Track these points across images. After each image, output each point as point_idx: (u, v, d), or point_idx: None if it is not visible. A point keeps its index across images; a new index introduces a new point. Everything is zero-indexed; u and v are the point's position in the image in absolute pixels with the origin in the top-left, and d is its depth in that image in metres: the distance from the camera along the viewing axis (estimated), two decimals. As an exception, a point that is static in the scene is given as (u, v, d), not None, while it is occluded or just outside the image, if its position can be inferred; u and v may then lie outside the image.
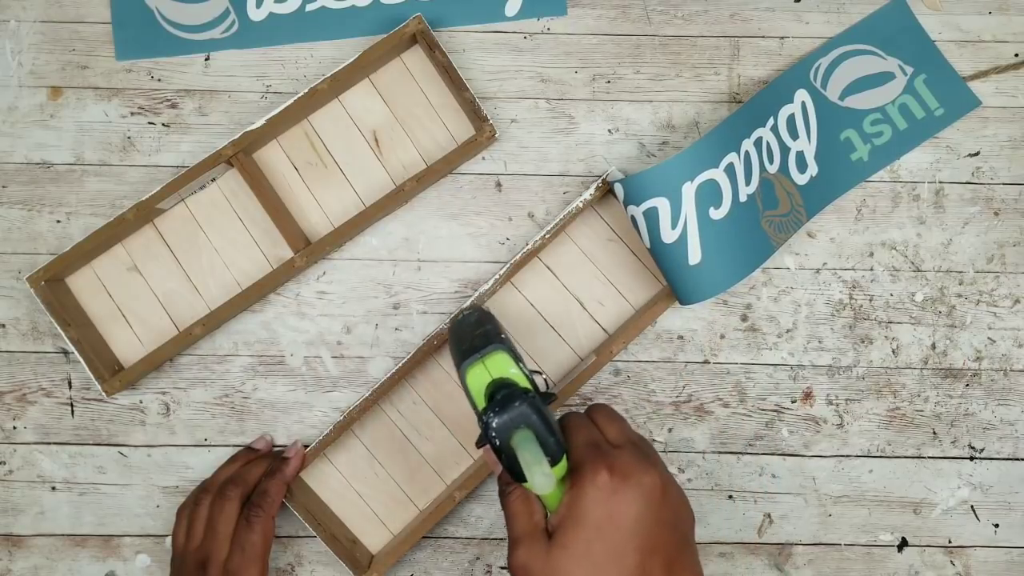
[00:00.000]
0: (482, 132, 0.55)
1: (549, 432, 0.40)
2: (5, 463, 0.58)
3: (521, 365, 0.42)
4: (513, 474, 0.40)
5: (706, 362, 0.58)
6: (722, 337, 0.58)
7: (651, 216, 0.52)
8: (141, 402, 0.58)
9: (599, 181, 0.56)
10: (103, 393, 0.54)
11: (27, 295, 0.57)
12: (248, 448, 0.57)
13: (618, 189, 0.53)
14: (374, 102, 0.58)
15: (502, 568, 0.58)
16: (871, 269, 0.58)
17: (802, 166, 0.57)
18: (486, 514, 0.58)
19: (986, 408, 0.58)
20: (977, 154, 0.59)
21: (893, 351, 0.58)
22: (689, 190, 0.52)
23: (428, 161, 0.58)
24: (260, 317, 0.58)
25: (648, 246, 0.54)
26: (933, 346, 0.58)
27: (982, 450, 0.58)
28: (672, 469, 0.58)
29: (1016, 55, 0.59)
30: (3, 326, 0.58)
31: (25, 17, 0.58)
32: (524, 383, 0.41)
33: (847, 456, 0.58)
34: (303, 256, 0.55)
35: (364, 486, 0.57)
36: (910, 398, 0.58)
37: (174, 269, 0.58)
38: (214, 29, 0.58)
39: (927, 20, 0.59)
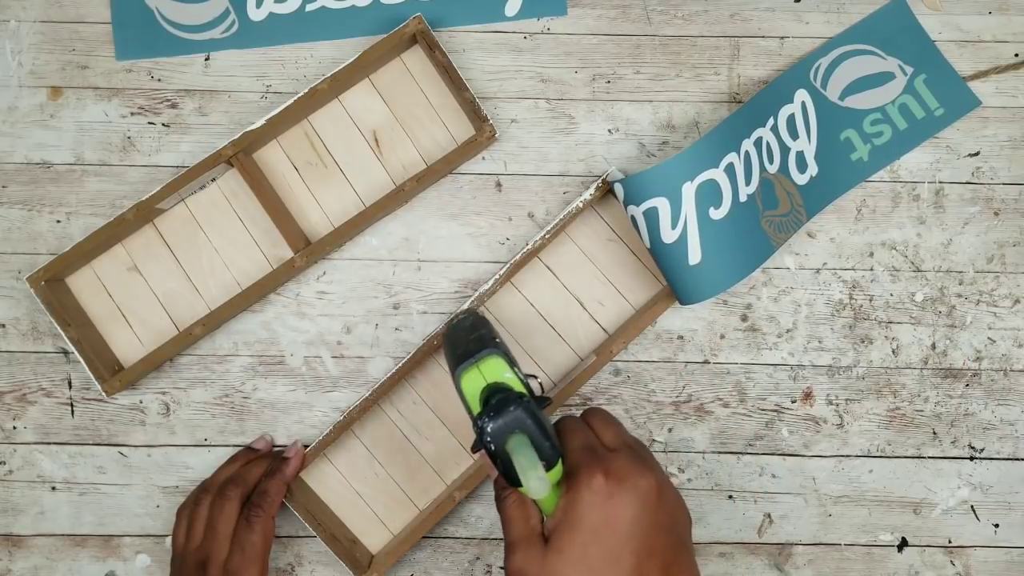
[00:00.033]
0: (482, 132, 0.55)
1: (544, 436, 0.40)
2: (5, 463, 0.58)
3: (516, 369, 0.42)
4: (509, 478, 0.40)
5: (706, 362, 0.58)
6: (722, 337, 0.58)
7: (651, 216, 0.52)
8: (141, 402, 0.58)
9: (599, 181, 0.56)
10: (103, 393, 0.54)
11: (27, 295, 0.57)
12: (248, 448, 0.57)
13: (618, 189, 0.53)
14: (374, 102, 0.58)
15: (502, 568, 0.58)
16: (871, 269, 0.58)
17: (802, 166, 0.57)
18: (486, 514, 0.58)
19: (986, 408, 0.58)
20: (977, 154, 0.59)
21: (893, 351, 0.58)
22: (689, 190, 0.52)
23: (428, 161, 0.58)
24: (260, 317, 0.58)
25: (648, 246, 0.54)
26: (933, 346, 0.58)
27: (982, 450, 0.58)
28: (672, 469, 0.58)
29: (1016, 55, 0.59)
30: (3, 326, 0.58)
31: (25, 17, 0.58)
32: (519, 387, 0.41)
33: (847, 456, 0.58)
34: (303, 256, 0.55)
35: (364, 486, 0.57)
36: (910, 398, 0.58)
37: (174, 269, 0.58)
38: (214, 29, 0.58)
39: (927, 20, 0.59)
